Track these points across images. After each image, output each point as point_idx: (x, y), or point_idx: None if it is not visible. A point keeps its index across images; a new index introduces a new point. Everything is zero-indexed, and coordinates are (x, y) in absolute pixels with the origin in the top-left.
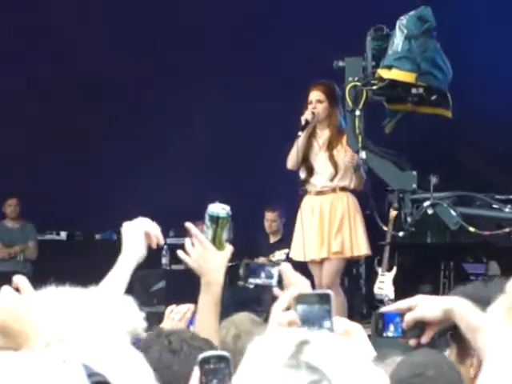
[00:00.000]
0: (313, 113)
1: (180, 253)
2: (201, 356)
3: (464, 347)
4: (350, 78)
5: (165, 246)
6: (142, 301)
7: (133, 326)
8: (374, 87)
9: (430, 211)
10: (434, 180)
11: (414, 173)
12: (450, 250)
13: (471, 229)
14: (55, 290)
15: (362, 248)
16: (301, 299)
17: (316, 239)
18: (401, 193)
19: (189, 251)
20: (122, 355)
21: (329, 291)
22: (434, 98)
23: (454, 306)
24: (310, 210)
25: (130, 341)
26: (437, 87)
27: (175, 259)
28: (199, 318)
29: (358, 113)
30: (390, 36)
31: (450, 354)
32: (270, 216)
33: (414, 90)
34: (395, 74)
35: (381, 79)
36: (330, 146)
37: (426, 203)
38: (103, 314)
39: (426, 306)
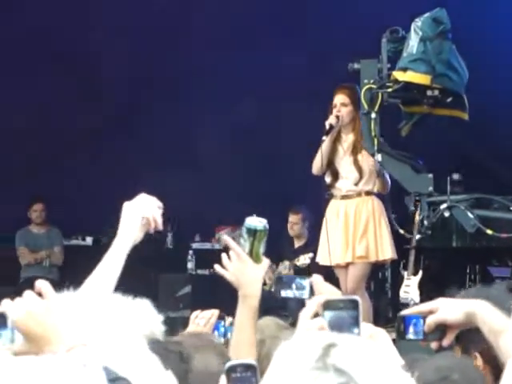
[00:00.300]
0: (337, 116)
1: (217, 267)
2: (228, 364)
3: (468, 348)
4: (366, 81)
5: (190, 251)
6: (168, 305)
7: (151, 330)
8: (389, 90)
9: (446, 214)
10: (456, 177)
11: (430, 175)
12: (475, 253)
13: (489, 231)
14: (76, 294)
15: (387, 252)
16: (328, 305)
17: (341, 243)
18: (417, 196)
19: (226, 265)
20: (141, 359)
21: (356, 297)
22: (449, 100)
23: (477, 309)
24: (335, 214)
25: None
26: (452, 89)
27: (201, 264)
28: (236, 331)
29: (373, 115)
30: (406, 38)
31: None
32: (292, 218)
33: (429, 93)
34: (410, 77)
35: (396, 81)
36: (355, 150)
37: (443, 206)
38: (122, 318)
39: (447, 309)
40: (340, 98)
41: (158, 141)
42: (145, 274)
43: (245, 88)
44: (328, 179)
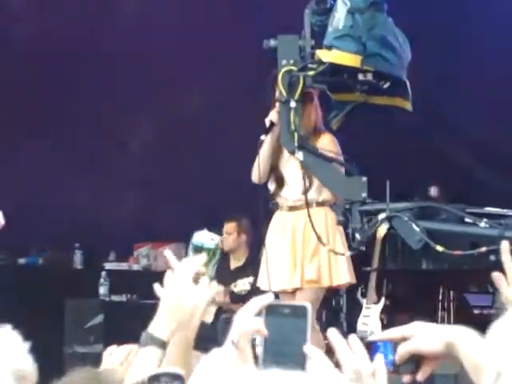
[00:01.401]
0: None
1: (157, 287)
2: (150, 374)
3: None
4: (284, 61)
5: (103, 273)
6: (75, 338)
7: (16, 366)
8: (312, 72)
9: (385, 226)
10: (433, 192)
11: (364, 179)
12: (449, 277)
13: (439, 248)
14: None
15: (342, 275)
16: (272, 310)
17: (287, 264)
18: (347, 203)
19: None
20: None
21: (306, 303)
22: (386, 86)
23: (458, 338)
24: (281, 228)
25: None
26: (389, 72)
27: (116, 288)
28: (166, 364)
29: (293, 104)
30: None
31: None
32: (226, 228)
33: (360, 77)
34: (336, 57)
35: (321, 62)
36: None
37: (381, 216)
38: None
39: (423, 337)
40: None
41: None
42: (47, 300)
43: None
44: (271, 187)
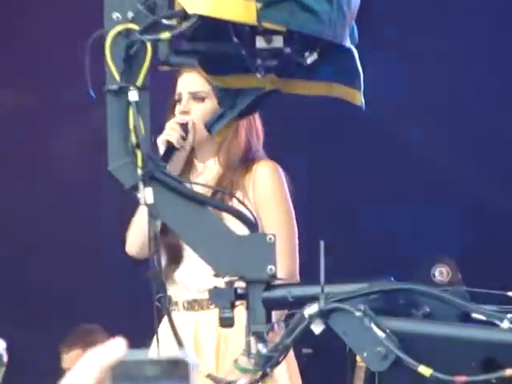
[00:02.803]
0: (182, 125)
1: None
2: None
3: None
4: (115, 16)
5: None
6: None
7: None
8: (167, 35)
9: (317, 328)
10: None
11: (272, 239)
12: None
13: (423, 369)
14: None
15: None
16: (123, 373)
17: None
18: (249, 282)
19: None
20: None
21: (185, 357)
22: (310, 60)
23: None
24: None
25: None
26: (318, 35)
27: None
28: None
29: (133, 96)
30: None
31: None
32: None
33: (260, 43)
34: (212, 4)
35: (184, 16)
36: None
37: (309, 309)
38: None
39: None
40: (189, 84)
41: None
42: None
43: None
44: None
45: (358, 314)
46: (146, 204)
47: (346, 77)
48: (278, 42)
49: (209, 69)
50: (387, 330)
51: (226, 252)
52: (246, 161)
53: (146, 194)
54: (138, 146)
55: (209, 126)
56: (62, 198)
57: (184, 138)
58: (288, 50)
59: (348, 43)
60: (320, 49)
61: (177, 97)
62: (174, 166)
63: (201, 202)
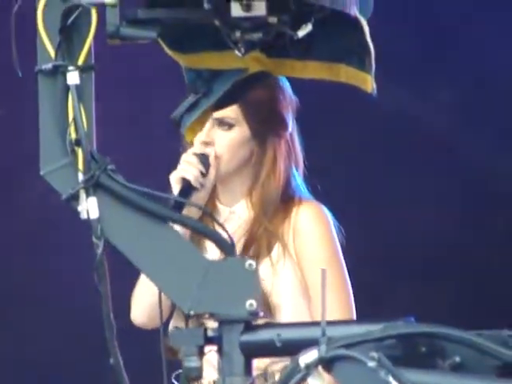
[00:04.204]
0: (202, 157)
1: None
2: None
3: None
4: None
5: None
6: None
7: None
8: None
9: (315, 382)
10: None
11: (252, 264)
12: None
13: None
14: None
15: None
16: None
17: None
18: (223, 322)
19: None
20: None
21: None
22: (302, 34)
23: None
24: None
25: None
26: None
27: None
28: None
29: (72, 78)
30: None
31: None
32: None
33: (237, 11)
34: None
35: None
36: (255, 245)
37: (306, 357)
38: None
39: None
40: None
41: None
42: None
43: None
44: None
45: (371, 364)
46: (89, 219)
47: (353, 56)
48: (259, 9)
49: (173, 45)
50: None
51: (192, 281)
52: (284, 201)
53: (89, 206)
54: (78, 142)
55: (178, 119)
56: None
57: (204, 174)
58: (274, 19)
59: (355, 12)
60: (318, 20)
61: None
62: (191, 211)
63: (162, 218)
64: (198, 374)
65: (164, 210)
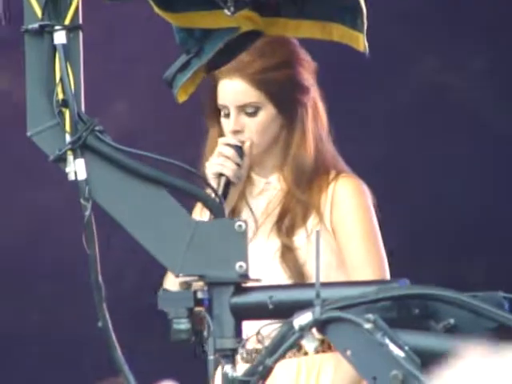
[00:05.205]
0: (238, 147)
1: None
2: None
3: None
4: None
5: None
6: None
7: None
8: None
9: (310, 345)
10: None
11: (242, 226)
12: None
13: None
14: None
15: None
16: None
17: None
18: (212, 284)
19: None
20: None
21: None
22: None
23: None
24: None
25: None
26: None
27: None
28: None
29: (61, 37)
30: None
31: None
32: None
33: None
34: None
35: None
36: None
37: (301, 319)
38: None
39: None
40: (234, 96)
41: None
42: None
43: None
44: None
45: (367, 326)
46: (77, 180)
47: (346, 15)
48: None
49: (163, 4)
50: (406, 348)
51: (181, 243)
52: (318, 173)
53: (77, 167)
54: (65, 103)
55: (170, 79)
56: None
57: (240, 165)
58: None
59: None
60: None
61: (221, 108)
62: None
63: (149, 179)
64: (187, 336)
65: (152, 171)
